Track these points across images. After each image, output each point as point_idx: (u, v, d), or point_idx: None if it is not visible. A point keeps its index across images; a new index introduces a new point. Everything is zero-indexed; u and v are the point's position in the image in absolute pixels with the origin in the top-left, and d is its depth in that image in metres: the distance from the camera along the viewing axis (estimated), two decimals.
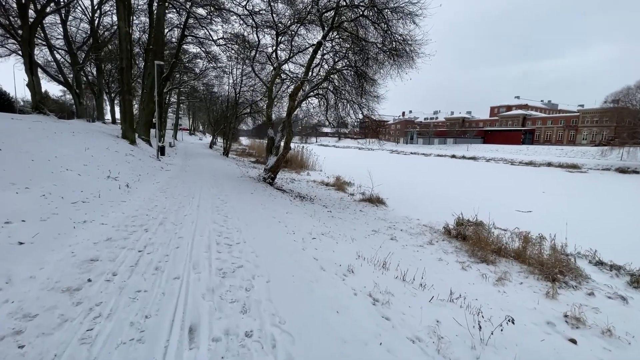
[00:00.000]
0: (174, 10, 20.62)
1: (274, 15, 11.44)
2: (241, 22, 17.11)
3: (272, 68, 13.89)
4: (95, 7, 20.86)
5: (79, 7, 21.25)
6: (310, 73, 10.97)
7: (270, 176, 12.02)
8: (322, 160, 25.96)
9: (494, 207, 11.29)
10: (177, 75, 27.40)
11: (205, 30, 20.80)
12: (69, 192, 5.38)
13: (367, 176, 19.34)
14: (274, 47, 12.63)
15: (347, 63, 11.74)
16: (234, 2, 13.95)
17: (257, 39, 13.12)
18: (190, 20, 20.70)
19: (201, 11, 19.97)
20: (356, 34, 10.20)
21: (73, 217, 4.45)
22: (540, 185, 21.10)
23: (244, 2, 12.97)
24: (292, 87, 14.60)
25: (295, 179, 18.06)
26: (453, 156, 52.35)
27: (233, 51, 20.71)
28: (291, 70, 13.89)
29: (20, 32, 14.76)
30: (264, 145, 39.33)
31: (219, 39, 20.62)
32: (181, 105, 41.48)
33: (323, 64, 12.21)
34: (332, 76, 12.19)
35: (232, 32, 19.77)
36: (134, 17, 21.74)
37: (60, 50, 22.44)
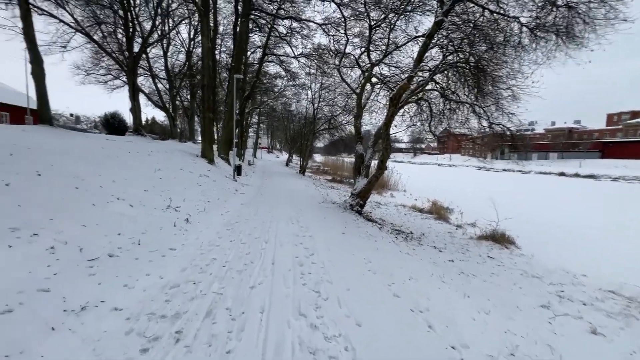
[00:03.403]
0: (257, 30, 20.68)
1: (366, 5, 9.25)
2: (322, 32, 15.87)
3: (359, 73, 11.73)
4: (192, 38, 22.30)
5: (178, 40, 23.14)
6: (419, 64, 8.22)
7: (359, 203, 9.53)
8: (406, 179, 22.73)
9: None
10: (258, 97, 27.92)
11: (287, 48, 20.47)
12: (99, 237, 3.72)
13: (461, 197, 15.36)
14: (363, 47, 10.45)
15: (462, 57, 8.80)
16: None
17: (345, 36, 11.03)
18: (271, 40, 20.73)
19: (281, 29, 19.72)
20: (488, 7, 7.22)
21: (71, 295, 2.57)
22: None
23: None
24: (382, 94, 12.24)
25: (381, 202, 15.28)
26: (562, 174, 42.72)
27: (314, 63, 19.91)
28: (382, 73, 11.48)
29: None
30: (338, 162, 37.81)
31: (298, 55, 20.00)
32: (261, 125, 43.01)
33: (427, 60, 9.49)
34: (438, 76, 9.43)
35: (312, 46, 19.01)
36: (223, 42, 22.77)
37: (162, 80, 24.71)
